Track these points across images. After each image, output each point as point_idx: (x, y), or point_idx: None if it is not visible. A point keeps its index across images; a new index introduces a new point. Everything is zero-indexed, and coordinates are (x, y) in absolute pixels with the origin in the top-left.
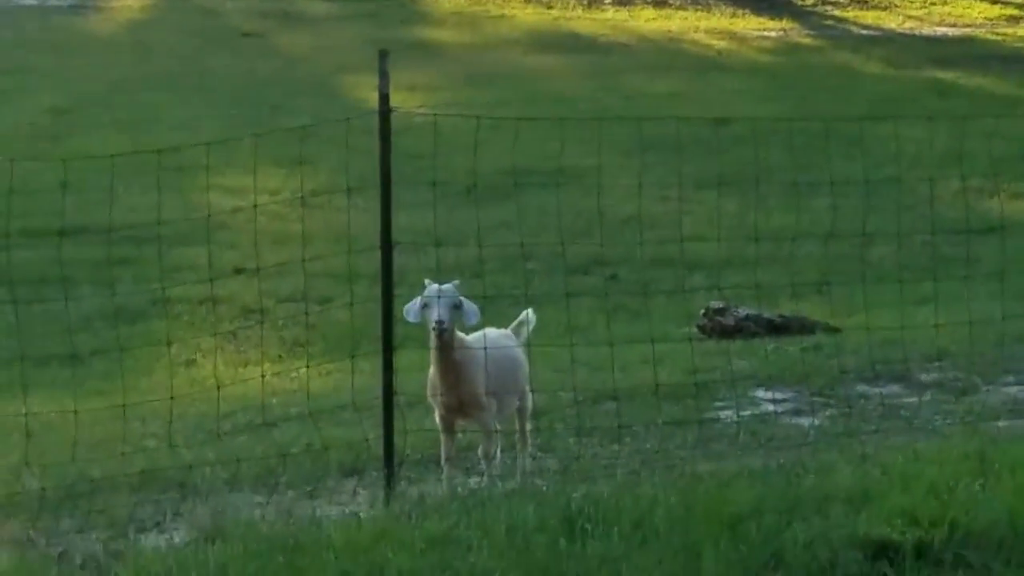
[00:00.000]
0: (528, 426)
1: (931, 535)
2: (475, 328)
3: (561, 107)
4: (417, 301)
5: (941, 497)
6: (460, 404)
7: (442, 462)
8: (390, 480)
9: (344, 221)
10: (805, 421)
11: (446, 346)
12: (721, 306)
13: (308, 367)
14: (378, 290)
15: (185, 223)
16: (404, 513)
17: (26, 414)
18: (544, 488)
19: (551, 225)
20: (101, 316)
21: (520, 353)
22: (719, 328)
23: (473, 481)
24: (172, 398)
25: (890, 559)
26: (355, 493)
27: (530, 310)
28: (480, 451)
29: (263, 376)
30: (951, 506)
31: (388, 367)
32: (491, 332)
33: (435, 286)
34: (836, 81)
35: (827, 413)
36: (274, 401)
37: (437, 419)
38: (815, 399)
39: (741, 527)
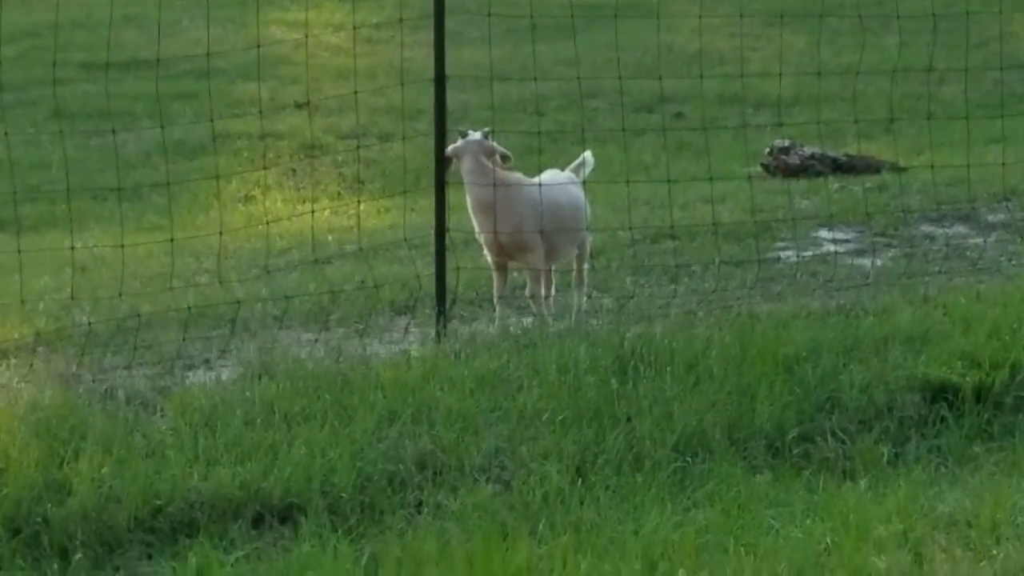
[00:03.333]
0: (585, 266)
1: (992, 377)
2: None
3: None
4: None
5: (1003, 339)
6: (501, 243)
7: (494, 301)
8: (441, 318)
9: (407, 57)
10: (867, 262)
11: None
12: (786, 145)
13: (359, 202)
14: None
15: (246, 57)
16: (454, 352)
17: (72, 247)
18: (597, 328)
19: (615, 62)
20: (159, 151)
21: (579, 193)
22: (784, 167)
23: (527, 320)
24: (221, 233)
25: (948, 401)
26: (406, 331)
27: (588, 152)
28: (527, 291)
29: (312, 212)
30: (1013, 348)
31: (441, 204)
32: (551, 173)
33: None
34: None
35: (890, 254)
36: (329, 238)
37: (488, 257)
38: (878, 239)
39: (797, 369)
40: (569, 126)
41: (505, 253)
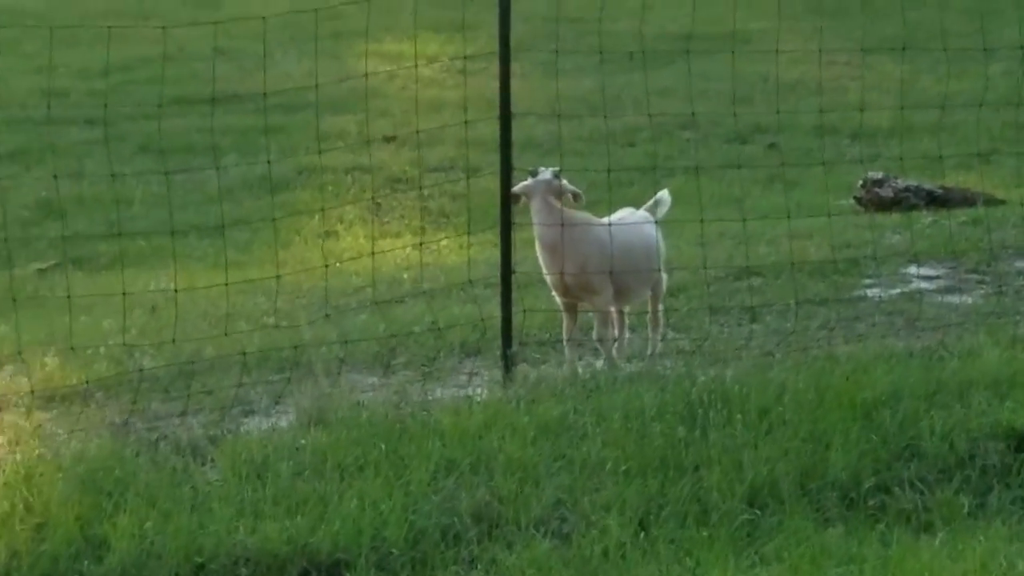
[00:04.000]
0: (661, 307)
1: None
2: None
3: None
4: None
5: None
6: (566, 284)
7: (564, 343)
8: (507, 361)
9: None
10: (956, 300)
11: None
12: (879, 177)
13: (421, 244)
14: (527, 159)
15: (336, 90)
16: (518, 397)
17: (124, 293)
18: (667, 372)
19: (713, 92)
20: (245, 186)
21: (653, 232)
22: (877, 200)
23: (598, 364)
24: (278, 277)
25: None
26: (471, 376)
27: (665, 191)
28: (594, 334)
29: (372, 253)
30: None
31: (507, 245)
32: (624, 212)
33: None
34: None
35: (980, 291)
36: (404, 276)
37: (556, 298)
38: (968, 276)
39: (875, 415)
40: (660, 158)
41: (572, 294)
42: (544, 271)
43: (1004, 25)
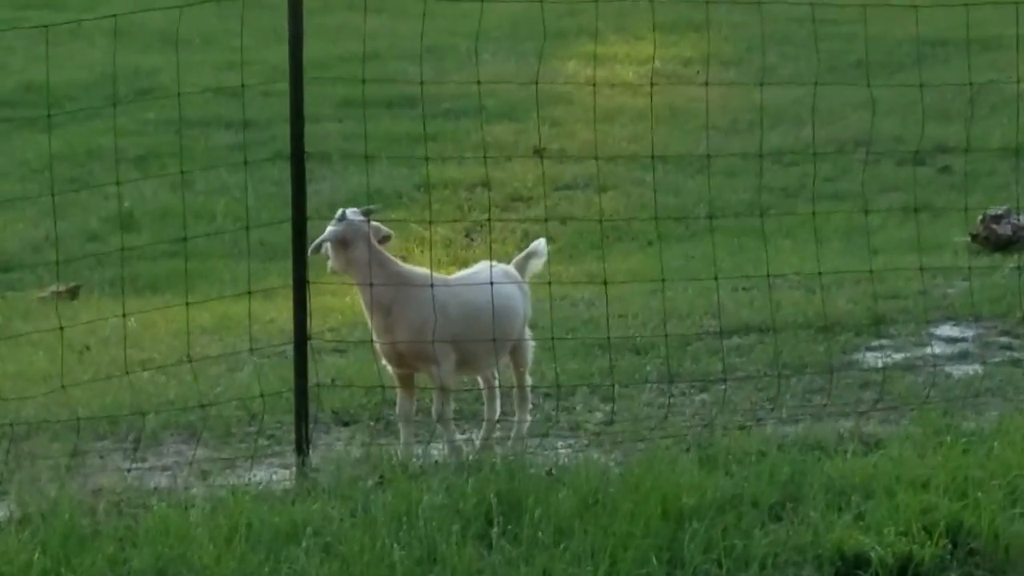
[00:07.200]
0: (528, 381)
1: (927, 548)
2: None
3: None
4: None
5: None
6: (399, 353)
7: (399, 421)
8: (301, 443)
9: (694, 97)
10: (957, 370)
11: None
12: (999, 212)
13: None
14: (680, 177)
15: (520, 95)
16: (303, 488)
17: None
18: (492, 461)
19: (918, 105)
20: (349, 202)
21: (514, 292)
22: (994, 238)
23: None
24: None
25: None
26: (251, 459)
27: (542, 240)
28: (433, 411)
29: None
30: (976, 509)
31: (300, 302)
32: (481, 267)
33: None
34: None
35: (997, 360)
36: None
37: (388, 368)
38: (998, 339)
39: (687, 528)
40: (818, 180)
41: (406, 364)
42: (373, 336)
43: None
